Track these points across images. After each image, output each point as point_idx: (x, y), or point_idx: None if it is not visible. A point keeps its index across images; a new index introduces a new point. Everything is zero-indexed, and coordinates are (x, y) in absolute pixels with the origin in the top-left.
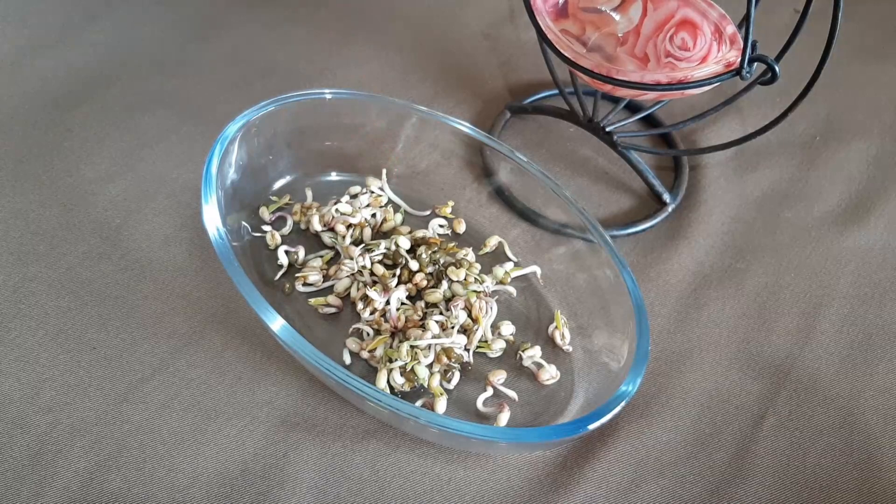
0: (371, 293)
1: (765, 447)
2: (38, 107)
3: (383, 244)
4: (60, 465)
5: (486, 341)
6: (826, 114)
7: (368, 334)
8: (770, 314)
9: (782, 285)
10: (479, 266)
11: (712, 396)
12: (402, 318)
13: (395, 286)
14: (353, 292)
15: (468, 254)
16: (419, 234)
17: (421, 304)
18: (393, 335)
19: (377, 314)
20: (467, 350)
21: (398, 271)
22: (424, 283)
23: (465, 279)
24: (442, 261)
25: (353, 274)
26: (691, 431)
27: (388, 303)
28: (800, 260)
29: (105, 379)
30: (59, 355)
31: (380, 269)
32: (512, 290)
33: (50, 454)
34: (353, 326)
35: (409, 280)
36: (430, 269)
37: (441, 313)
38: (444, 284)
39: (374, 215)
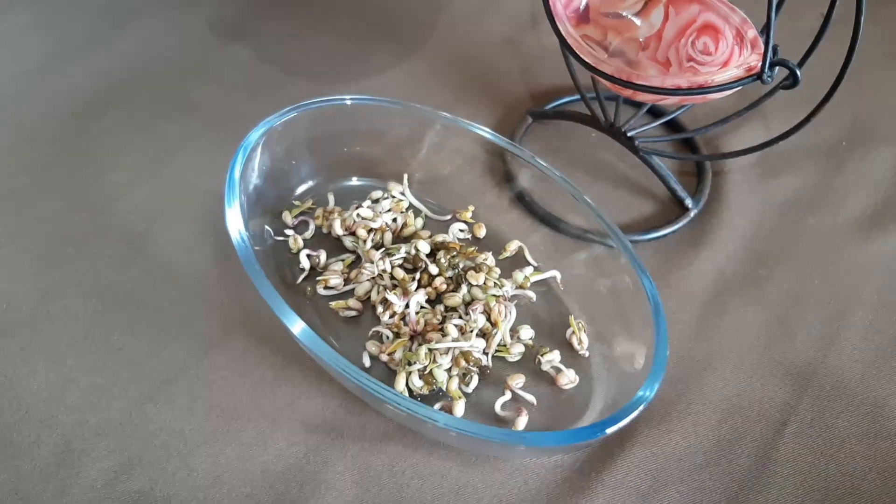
0: (391, 297)
1: (786, 454)
2: (66, 114)
3: (403, 248)
4: (86, 463)
5: (504, 345)
6: (852, 119)
7: (388, 337)
8: (793, 321)
9: (806, 292)
10: (498, 270)
11: (733, 403)
12: (422, 321)
13: (415, 290)
14: (374, 296)
15: (488, 258)
16: (439, 238)
17: (440, 307)
18: (412, 338)
19: (397, 317)
20: (486, 354)
21: (418, 275)
22: (444, 287)
23: (484, 283)
24: (461, 265)
25: (373, 277)
26: (711, 438)
27: (407, 306)
28: (824, 267)
29: (130, 380)
30: (86, 357)
31: (400, 273)
32: (531, 294)
33: (76, 453)
34: (373, 329)
35: (429, 284)
36: (449, 274)
37: (460, 317)
38: (464, 288)
39: (394, 220)
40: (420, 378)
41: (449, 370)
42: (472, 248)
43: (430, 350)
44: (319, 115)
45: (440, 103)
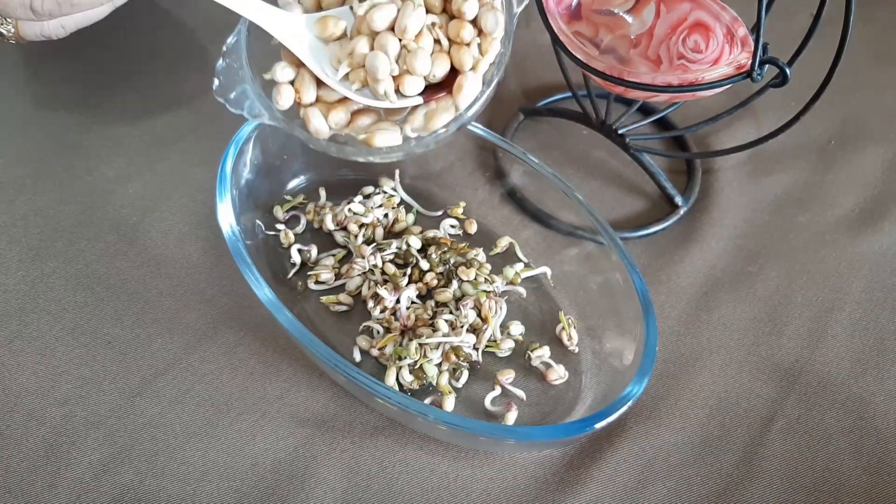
0: (382, 292)
1: (773, 450)
2: (59, 106)
3: (395, 244)
4: (74, 456)
5: (494, 341)
6: (842, 118)
7: (378, 332)
8: (781, 318)
9: (794, 289)
10: (489, 266)
11: (721, 399)
12: (412, 316)
13: (406, 285)
14: (365, 291)
15: (479, 254)
16: (430, 234)
17: (431, 303)
18: (403, 334)
19: (387, 313)
20: (476, 349)
21: (409, 270)
22: (435, 282)
23: (475, 279)
24: (452, 261)
25: (364, 273)
26: (699, 433)
27: (398, 301)
28: (813, 264)
29: (119, 373)
30: (75, 349)
31: (391, 269)
32: (522, 290)
33: (64, 446)
34: (364, 324)
35: (420, 279)
36: (440, 269)
37: (451, 312)
38: (455, 284)
39: (386, 215)
40: (410, 373)
41: (439, 365)
42: (463, 244)
43: (420, 345)
44: None
45: None
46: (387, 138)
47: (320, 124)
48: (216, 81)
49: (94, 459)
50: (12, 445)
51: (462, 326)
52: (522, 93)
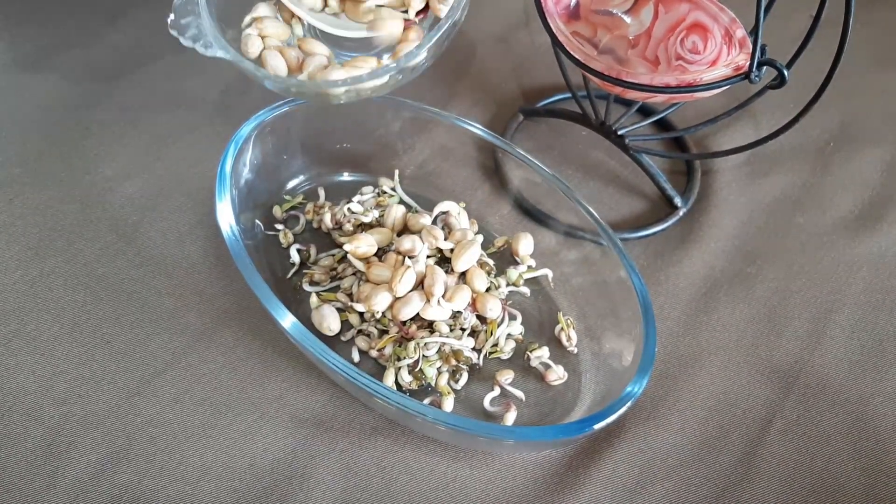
0: (357, 306)
1: (772, 451)
2: (59, 106)
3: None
4: (73, 456)
5: (496, 345)
6: (840, 120)
7: (372, 334)
8: (780, 319)
9: (793, 290)
10: (494, 269)
11: (720, 400)
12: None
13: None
14: (355, 290)
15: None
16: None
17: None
18: (402, 337)
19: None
20: (476, 351)
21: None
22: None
23: (489, 287)
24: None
25: (356, 272)
26: (698, 434)
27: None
28: (811, 265)
29: (118, 372)
30: (74, 348)
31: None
32: (526, 290)
33: (63, 445)
34: (360, 325)
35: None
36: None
37: (452, 316)
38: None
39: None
40: (409, 374)
41: (439, 367)
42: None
43: (418, 344)
44: (311, 109)
45: (432, 100)
46: (335, 75)
47: (278, 63)
48: (172, 16)
49: (92, 459)
50: (11, 444)
51: (463, 329)
52: (522, 94)
